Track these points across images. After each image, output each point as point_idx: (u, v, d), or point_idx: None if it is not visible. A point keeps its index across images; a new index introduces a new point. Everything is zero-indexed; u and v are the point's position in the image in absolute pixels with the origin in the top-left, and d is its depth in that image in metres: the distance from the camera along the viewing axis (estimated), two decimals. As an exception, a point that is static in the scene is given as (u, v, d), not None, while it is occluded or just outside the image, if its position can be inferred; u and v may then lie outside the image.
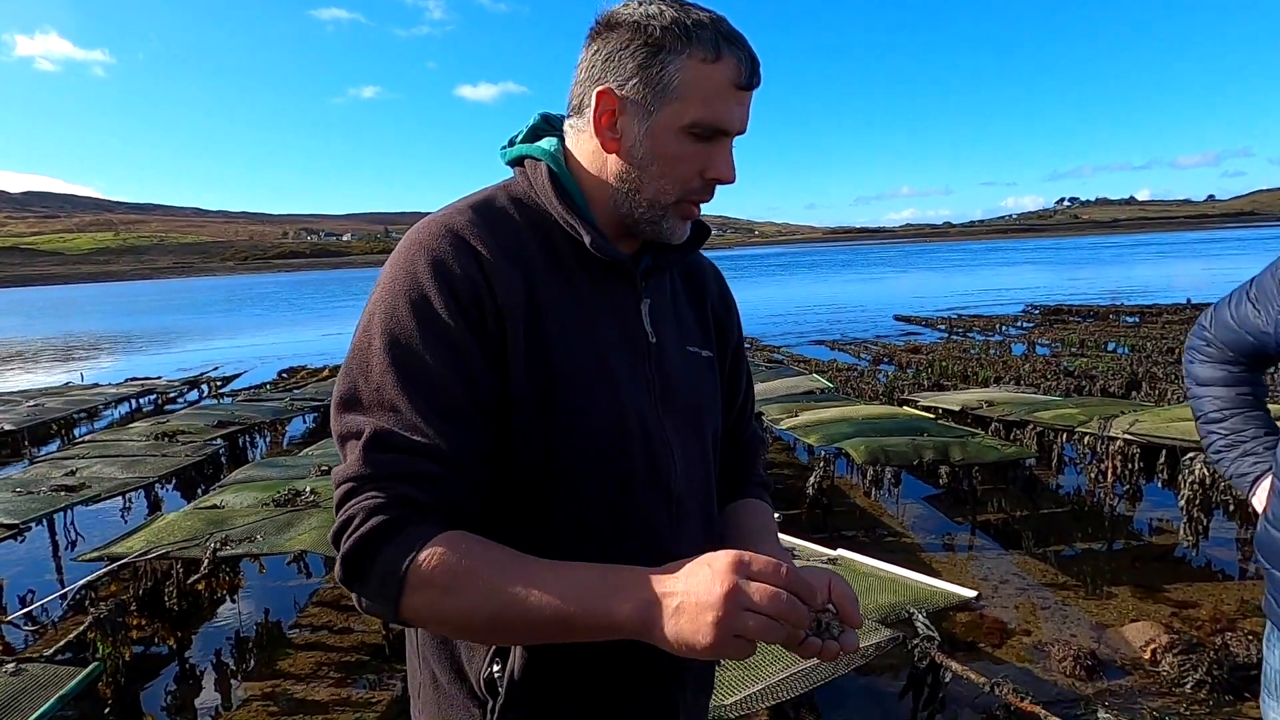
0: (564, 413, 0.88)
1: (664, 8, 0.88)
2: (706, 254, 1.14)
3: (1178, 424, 5.26)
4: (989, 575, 4.66)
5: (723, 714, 2.22)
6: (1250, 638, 3.61)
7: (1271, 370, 1.61)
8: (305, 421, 9.97)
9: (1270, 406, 1.58)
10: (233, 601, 4.65)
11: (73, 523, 5.57)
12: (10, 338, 34.03)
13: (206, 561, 3.72)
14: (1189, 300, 21.03)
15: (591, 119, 0.90)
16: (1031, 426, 6.30)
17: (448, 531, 0.80)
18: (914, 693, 2.95)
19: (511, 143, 1.01)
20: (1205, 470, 4.46)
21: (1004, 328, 18.54)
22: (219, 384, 13.94)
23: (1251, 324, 1.43)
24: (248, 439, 8.16)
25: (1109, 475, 5.66)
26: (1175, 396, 7.88)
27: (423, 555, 0.78)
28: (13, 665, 2.74)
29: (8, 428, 8.62)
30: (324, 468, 5.40)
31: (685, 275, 1.10)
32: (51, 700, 2.47)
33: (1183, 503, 4.61)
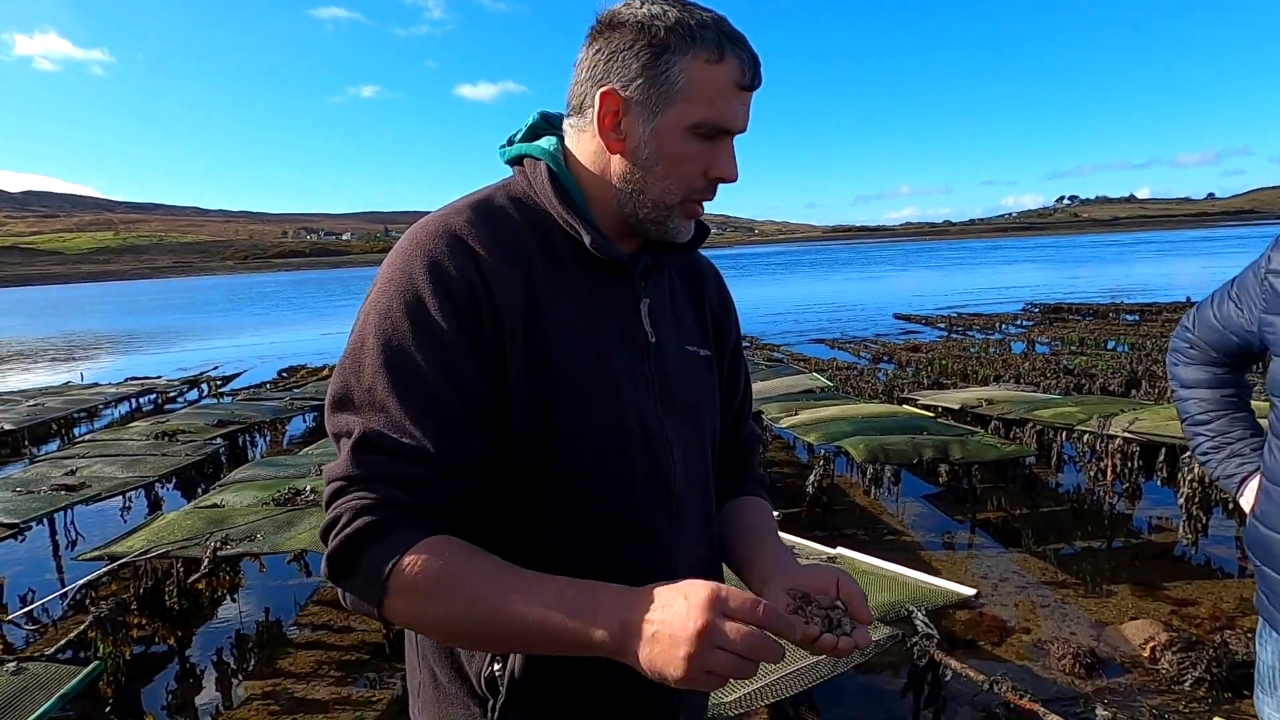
0: (564, 413, 0.88)
1: (667, 8, 0.88)
2: (706, 253, 1.15)
3: (1177, 422, 5.25)
4: (989, 573, 4.67)
5: (722, 711, 2.23)
6: (1249, 635, 3.61)
7: (1255, 368, 1.62)
8: (305, 420, 9.98)
9: (1256, 404, 1.59)
10: (233, 600, 4.65)
11: (73, 522, 5.58)
12: (10, 337, 34.03)
13: (207, 561, 3.73)
14: (1189, 298, 21.03)
15: (595, 119, 0.90)
16: (1031, 425, 6.30)
17: (434, 536, 0.81)
18: (914, 691, 2.96)
19: (510, 142, 1.00)
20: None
21: (1004, 326, 18.53)
22: (219, 383, 13.94)
23: (1234, 323, 1.43)
24: (248, 438, 8.17)
25: (1108, 473, 5.66)
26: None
27: (407, 559, 0.78)
28: (14, 664, 2.74)
29: (8, 427, 8.62)
30: (324, 467, 5.41)
31: (684, 275, 1.10)
32: (52, 699, 2.47)
33: (1182, 501, 4.62)
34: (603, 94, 0.89)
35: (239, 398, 11.11)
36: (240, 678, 3.85)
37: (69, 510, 5.13)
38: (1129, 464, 5.50)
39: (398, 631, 3.80)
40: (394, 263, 0.88)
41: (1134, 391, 8.58)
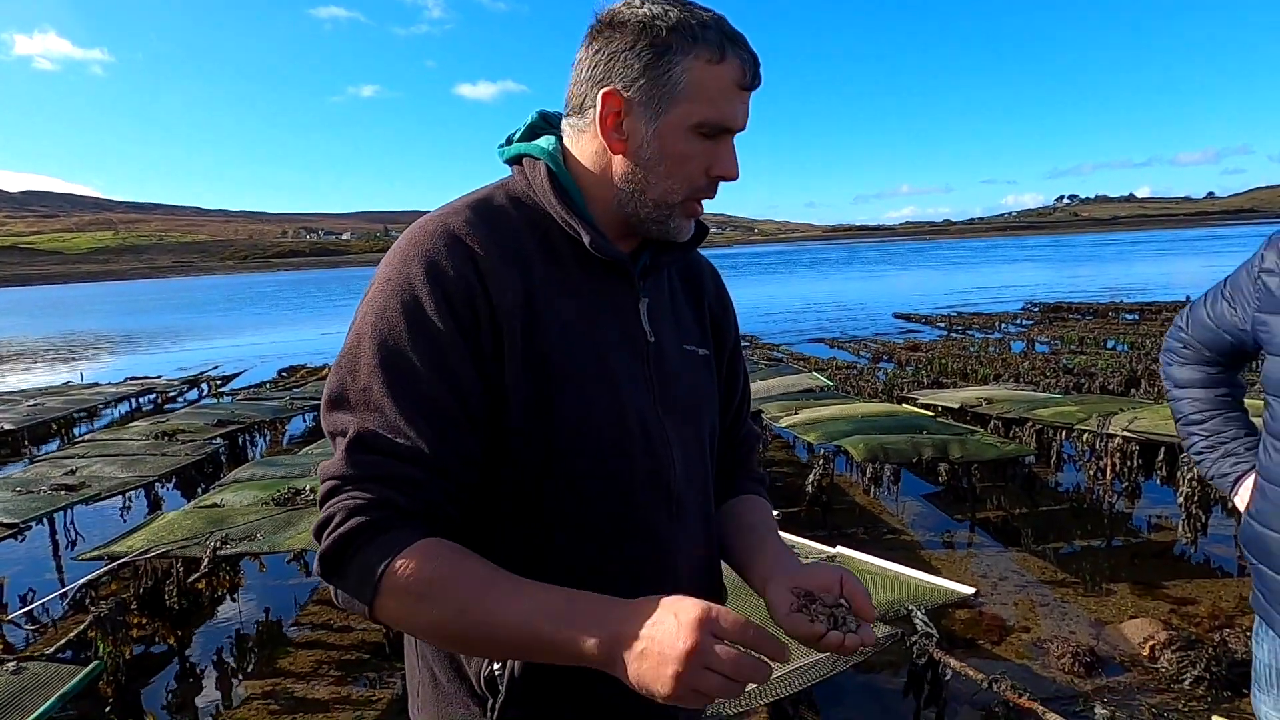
0: (564, 413, 0.88)
1: (668, 8, 0.88)
2: (706, 253, 1.15)
3: (1176, 421, 5.27)
4: (988, 572, 4.67)
5: (721, 711, 2.23)
6: (1248, 634, 3.60)
7: (1249, 367, 1.63)
8: (305, 420, 9.97)
9: (1251, 402, 1.59)
10: (233, 600, 4.66)
11: (73, 522, 5.58)
12: (10, 337, 34.03)
13: (206, 560, 3.73)
14: (1188, 297, 21.00)
15: (597, 120, 0.90)
16: (1030, 424, 6.30)
17: (427, 539, 0.81)
18: (914, 690, 2.96)
19: (509, 141, 1.00)
20: (1204, 467, 4.47)
21: (1003, 325, 18.53)
22: (219, 383, 13.94)
23: (1228, 322, 1.43)
24: (247, 438, 8.17)
25: (1108, 472, 5.67)
26: (1174, 394, 7.86)
27: (399, 561, 0.78)
28: (13, 664, 2.74)
29: (8, 427, 8.62)
30: (319, 465, 5.41)
31: (682, 274, 1.10)
32: (52, 699, 2.48)
33: (1181, 499, 4.62)
34: (605, 94, 0.89)
35: (239, 397, 11.11)
36: (240, 677, 3.85)
37: (69, 510, 5.13)
38: (1128, 463, 5.50)
39: (397, 631, 3.80)
40: (391, 262, 0.88)
41: (1133, 390, 8.58)
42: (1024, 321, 19.24)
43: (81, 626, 3.37)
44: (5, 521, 4.35)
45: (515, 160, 0.99)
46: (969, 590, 3.05)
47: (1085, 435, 5.89)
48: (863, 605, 0.88)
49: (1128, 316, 18.60)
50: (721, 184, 0.95)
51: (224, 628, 4.40)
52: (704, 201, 0.97)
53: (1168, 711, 3.14)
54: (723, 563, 1.10)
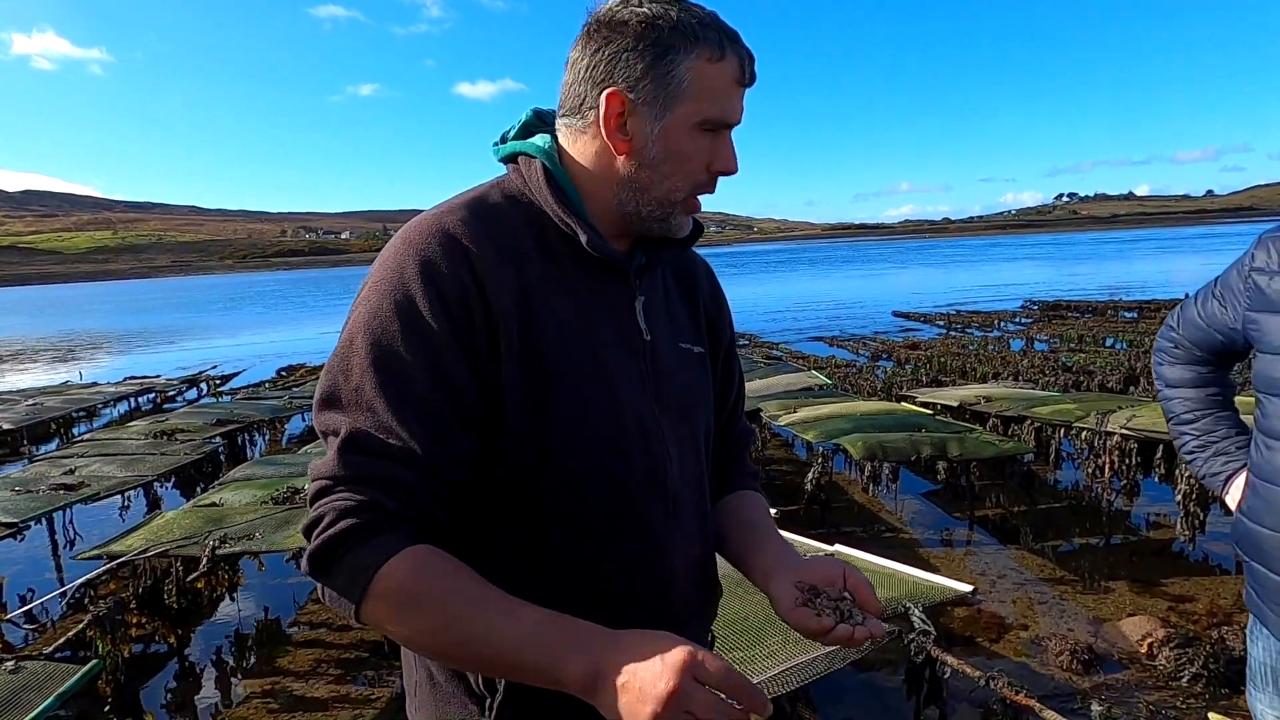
0: (560, 412, 0.88)
1: (667, 7, 0.88)
2: (706, 251, 1.15)
3: (1175, 419, 5.27)
4: (987, 570, 4.67)
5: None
6: (1246, 631, 3.62)
7: (1240, 366, 1.64)
8: (304, 419, 9.96)
9: (1242, 399, 1.59)
10: (232, 599, 4.66)
11: (72, 521, 5.57)
12: (9, 337, 34.00)
13: (205, 559, 3.73)
14: (1187, 295, 20.83)
15: (601, 121, 0.90)
16: (1029, 422, 6.30)
17: (418, 546, 0.80)
18: (913, 688, 2.96)
19: (503, 139, 1.00)
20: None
21: (1002, 323, 18.53)
22: (218, 382, 13.95)
23: (1219, 321, 1.44)
24: (246, 437, 8.16)
25: (1106, 470, 5.67)
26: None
27: (388, 567, 0.78)
28: (12, 663, 2.74)
29: (6, 427, 8.61)
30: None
31: (677, 273, 1.10)
32: (51, 698, 2.48)
33: (1179, 497, 4.62)
34: (608, 95, 0.88)
35: (238, 397, 11.12)
36: (239, 676, 3.85)
37: (68, 509, 5.13)
38: (1127, 461, 5.50)
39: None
40: (386, 262, 0.88)
41: (1132, 388, 8.58)
42: (1023, 320, 19.24)
43: (80, 626, 3.37)
44: (4, 521, 4.35)
45: (510, 158, 0.98)
46: (967, 588, 3.06)
47: (1084, 433, 5.90)
48: (867, 598, 0.89)
49: (1127, 314, 18.60)
50: (720, 181, 0.96)
51: (223, 627, 4.40)
52: (703, 199, 0.97)
53: (1165, 709, 3.15)
54: (719, 558, 1.10)
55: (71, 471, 5.53)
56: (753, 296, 33.69)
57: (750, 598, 2.78)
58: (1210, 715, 2.40)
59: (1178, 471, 4.70)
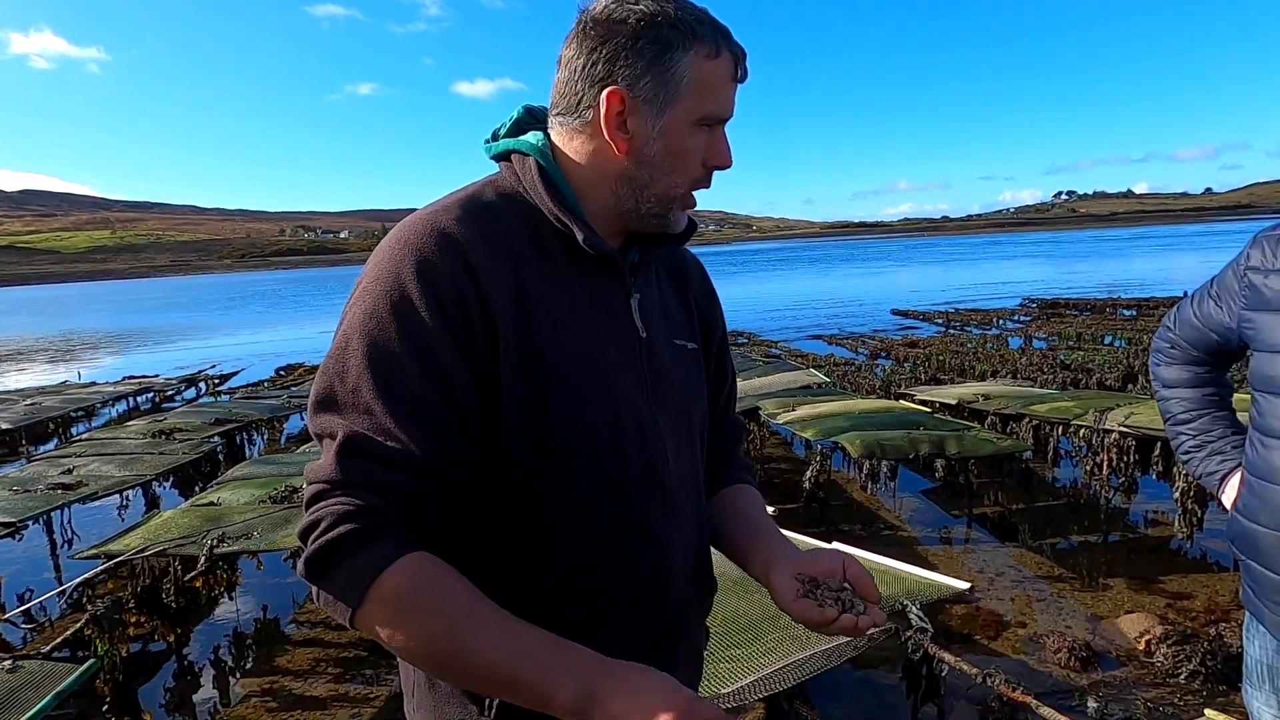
0: (559, 411, 0.87)
1: (663, 5, 0.88)
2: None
3: (1173, 416, 5.27)
4: (985, 568, 4.68)
5: (717, 705, 2.23)
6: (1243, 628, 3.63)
7: (1236, 365, 1.65)
8: (303, 419, 9.93)
9: (1238, 395, 1.60)
10: (230, 598, 4.66)
11: (70, 521, 5.58)
12: (8, 336, 33.98)
13: (204, 558, 3.73)
14: (1185, 293, 20.87)
15: (601, 120, 0.89)
16: (1028, 420, 6.31)
17: (416, 554, 0.80)
18: (910, 685, 2.97)
19: (495, 136, 1.00)
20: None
21: (1001, 322, 18.55)
22: (216, 382, 13.95)
23: (1215, 320, 1.44)
24: (245, 436, 8.16)
25: (1104, 468, 5.67)
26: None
27: (389, 574, 0.78)
28: (10, 662, 2.74)
29: (5, 426, 8.61)
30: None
31: (669, 269, 1.10)
32: (49, 697, 2.48)
33: (1177, 495, 4.63)
34: (609, 94, 0.88)
35: (236, 396, 11.12)
36: (238, 675, 3.85)
37: (66, 509, 5.13)
38: (1125, 458, 5.50)
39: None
40: (380, 261, 0.87)
41: (1131, 386, 8.59)
42: (1022, 318, 19.25)
43: (78, 625, 3.38)
44: (3, 521, 4.35)
45: (503, 156, 0.98)
46: (963, 585, 3.06)
47: (1082, 431, 5.90)
48: (867, 587, 0.89)
49: (1125, 312, 18.61)
50: (719, 180, 0.97)
51: (222, 626, 4.40)
52: (703, 198, 0.98)
53: (1163, 705, 3.15)
54: (717, 553, 1.10)
55: (70, 471, 5.53)
56: (752, 295, 33.67)
57: (748, 595, 2.78)
58: (1207, 712, 2.41)
59: (1176, 469, 4.71)
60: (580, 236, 0.90)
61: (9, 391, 12.36)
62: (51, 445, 9.13)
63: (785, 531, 1.09)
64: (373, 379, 0.82)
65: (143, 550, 3.84)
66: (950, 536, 5.31)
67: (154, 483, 5.89)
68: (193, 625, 4.37)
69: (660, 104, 0.88)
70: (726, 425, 1.18)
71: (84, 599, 4.41)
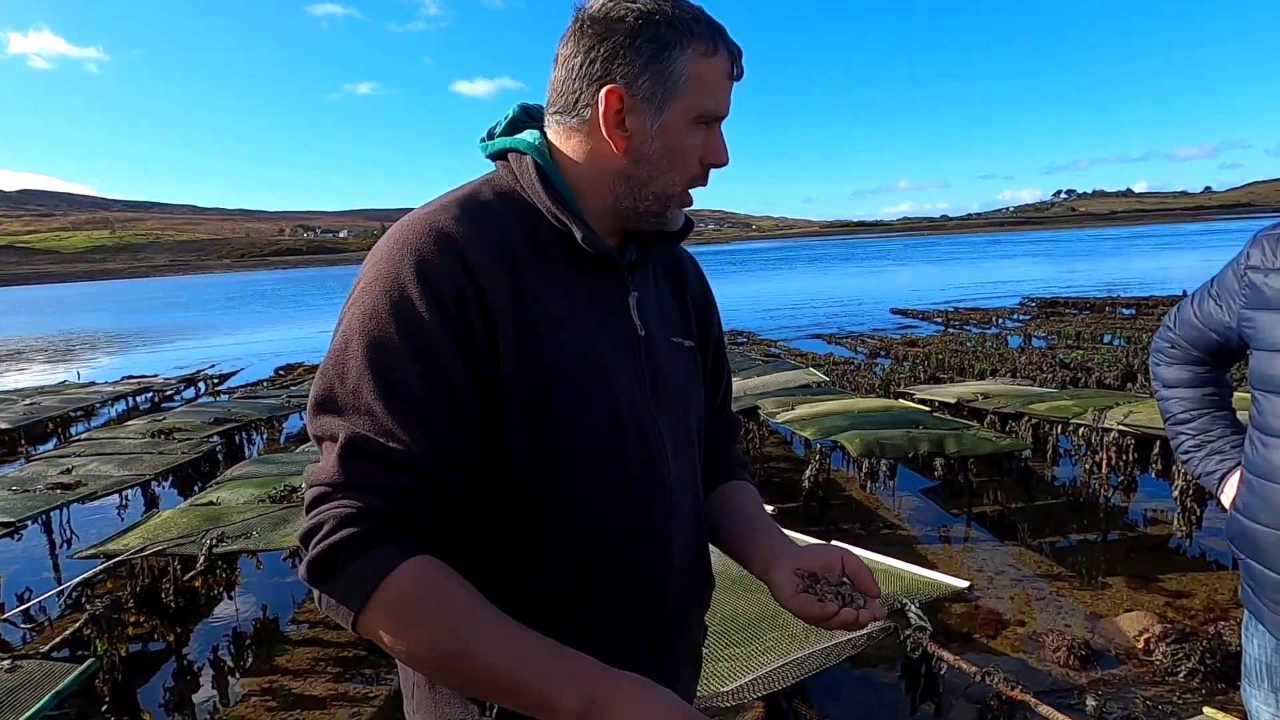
0: (558, 410, 0.87)
1: (660, 3, 0.88)
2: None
3: (1172, 415, 5.28)
4: (984, 566, 4.68)
5: (716, 703, 2.23)
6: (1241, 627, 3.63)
7: (1236, 365, 1.65)
8: (302, 418, 9.96)
9: (1238, 394, 1.60)
10: (230, 598, 4.66)
11: (69, 520, 5.58)
12: (7, 336, 33.96)
13: (203, 558, 3.73)
14: (1185, 292, 20.95)
15: (599, 119, 0.89)
16: (1027, 418, 6.31)
17: (419, 557, 0.79)
18: (909, 683, 2.97)
19: (491, 135, 0.99)
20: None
21: (1000, 320, 18.56)
22: (216, 381, 13.95)
23: (1215, 320, 1.44)
24: (244, 436, 8.16)
25: (1104, 466, 5.67)
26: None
27: (392, 579, 0.77)
28: (9, 662, 2.74)
29: (4, 426, 8.61)
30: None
31: (666, 268, 1.10)
32: (48, 697, 2.48)
33: (1176, 493, 4.63)
34: (607, 93, 0.88)
35: (236, 396, 11.12)
36: (238, 675, 3.85)
37: (65, 509, 5.13)
38: (1124, 457, 5.51)
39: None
40: (379, 262, 0.86)
41: (1130, 385, 8.59)
42: (1021, 317, 19.27)
43: (78, 625, 3.38)
44: (2, 520, 4.34)
45: (499, 155, 0.98)
46: (962, 583, 3.06)
47: (1081, 429, 5.90)
48: (866, 582, 0.90)
49: (1125, 311, 18.62)
50: (718, 179, 0.98)
51: (221, 625, 4.40)
52: (703, 197, 0.99)
53: (1162, 704, 3.15)
54: (716, 551, 1.10)
55: (69, 471, 5.53)
56: (751, 294, 33.65)
57: (746, 594, 2.78)
58: (1206, 710, 2.40)
59: (1175, 467, 4.71)
60: (579, 235, 0.90)
61: (8, 391, 12.35)
62: (50, 445, 9.12)
63: (784, 530, 1.09)
64: (373, 380, 0.82)
65: (142, 550, 3.84)
66: (949, 535, 5.32)
67: (153, 482, 5.89)
68: (192, 625, 4.37)
69: (658, 102, 0.88)
70: (723, 423, 1.19)
71: (83, 599, 4.41)
